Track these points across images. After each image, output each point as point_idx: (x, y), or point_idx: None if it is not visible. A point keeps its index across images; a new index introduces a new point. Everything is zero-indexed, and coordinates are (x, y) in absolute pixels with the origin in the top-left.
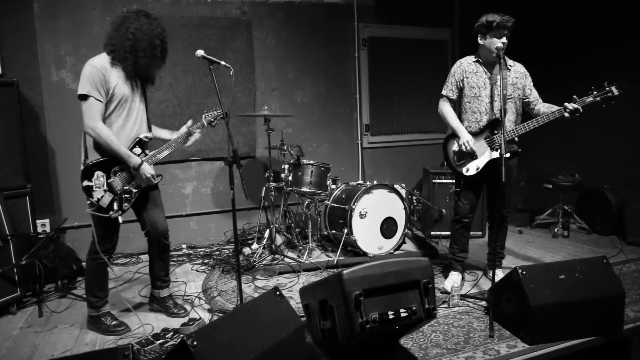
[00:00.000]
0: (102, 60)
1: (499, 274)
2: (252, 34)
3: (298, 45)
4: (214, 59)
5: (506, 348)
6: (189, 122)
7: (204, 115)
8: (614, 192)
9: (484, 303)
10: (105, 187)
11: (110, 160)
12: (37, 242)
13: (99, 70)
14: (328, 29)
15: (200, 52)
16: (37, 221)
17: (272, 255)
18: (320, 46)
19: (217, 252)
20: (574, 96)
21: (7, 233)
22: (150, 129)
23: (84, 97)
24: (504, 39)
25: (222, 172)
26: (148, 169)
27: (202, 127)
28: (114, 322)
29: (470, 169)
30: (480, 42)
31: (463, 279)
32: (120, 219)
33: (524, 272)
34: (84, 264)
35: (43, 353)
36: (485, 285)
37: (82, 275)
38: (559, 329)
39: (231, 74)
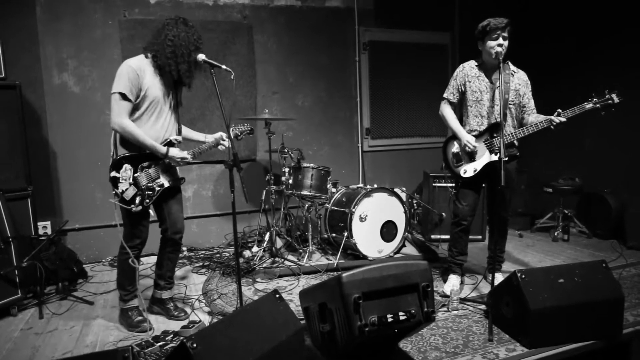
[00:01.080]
0: (139, 61)
1: (499, 278)
2: (253, 37)
3: (299, 49)
4: (215, 62)
5: (505, 352)
6: (219, 134)
7: (231, 129)
8: (614, 196)
9: (483, 307)
10: (130, 181)
11: (140, 156)
12: (38, 244)
13: (134, 71)
14: (329, 33)
15: (201, 56)
16: (39, 223)
17: (272, 258)
18: (321, 50)
19: (218, 255)
20: (559, 109)
21: (9, 235)
22: (180, 132)
23: (115, 94)
24: (500, 40)
25: (223, 175)
26: (177, 153)
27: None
28: (138, 318)
29: (468, 170)
30: (480, 48)
31: (462, 282)
32: (152, 212)
33: (523, 276)
34: (84, 266)
35: (43, 355)
36: (485, 288)
37: (82, 278)
38: (558, 332)
39: (232, 77)
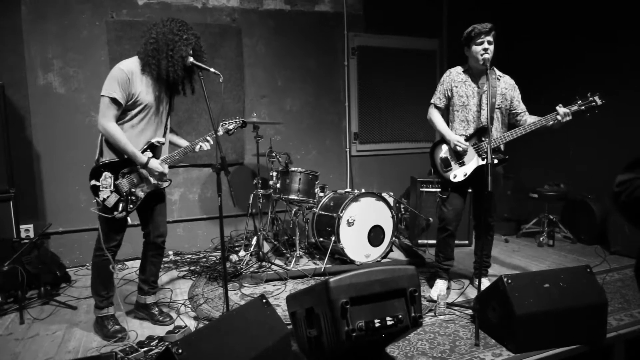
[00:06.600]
0: (131, 64)
1: (485, 283)
2: (242, 41)
3: (288, 53)
4: (203, 65)
5: (491, 356)
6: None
7: (221, 124)
8: (597, 203)
9: (470, 311)
10: (112, 188)
11: (121, 162)
12: (20, 248)
13: (125, 74)
14: (318, 38)
15: (189, 59)
16: (21, 226)
17: (259, 263)
18: (309, 54)
19: (204, 259)
20: (560, 104)
21: None
22: (164, 135)
23: (104, 97)
24: (485, 45)
25: (210, 179)
26: (157, 165)
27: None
28: (115, 327)
29: (458, 175)
30: (466, 53)
31: (449, 287)
32: (129, 220)
33: (510, 281)
34: (68, 270)
35: None
36: (472, 293)
37: (65, 282)
38: (544, 337)
39: (220, 81)
